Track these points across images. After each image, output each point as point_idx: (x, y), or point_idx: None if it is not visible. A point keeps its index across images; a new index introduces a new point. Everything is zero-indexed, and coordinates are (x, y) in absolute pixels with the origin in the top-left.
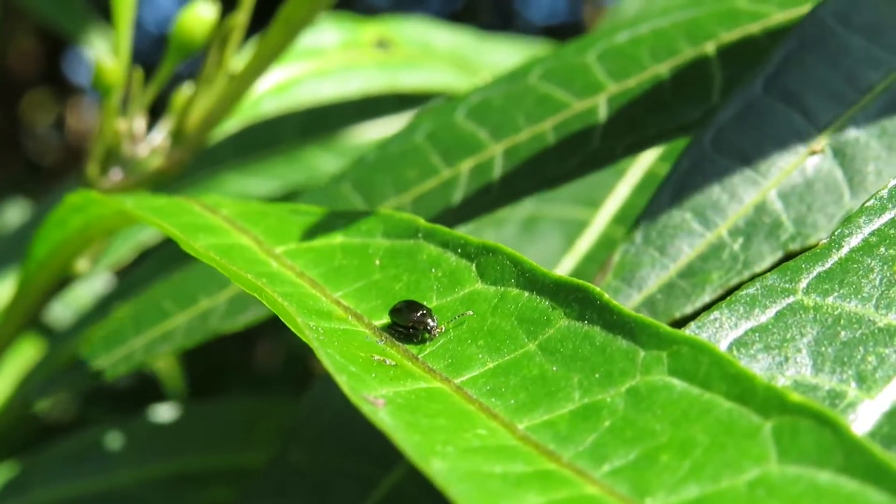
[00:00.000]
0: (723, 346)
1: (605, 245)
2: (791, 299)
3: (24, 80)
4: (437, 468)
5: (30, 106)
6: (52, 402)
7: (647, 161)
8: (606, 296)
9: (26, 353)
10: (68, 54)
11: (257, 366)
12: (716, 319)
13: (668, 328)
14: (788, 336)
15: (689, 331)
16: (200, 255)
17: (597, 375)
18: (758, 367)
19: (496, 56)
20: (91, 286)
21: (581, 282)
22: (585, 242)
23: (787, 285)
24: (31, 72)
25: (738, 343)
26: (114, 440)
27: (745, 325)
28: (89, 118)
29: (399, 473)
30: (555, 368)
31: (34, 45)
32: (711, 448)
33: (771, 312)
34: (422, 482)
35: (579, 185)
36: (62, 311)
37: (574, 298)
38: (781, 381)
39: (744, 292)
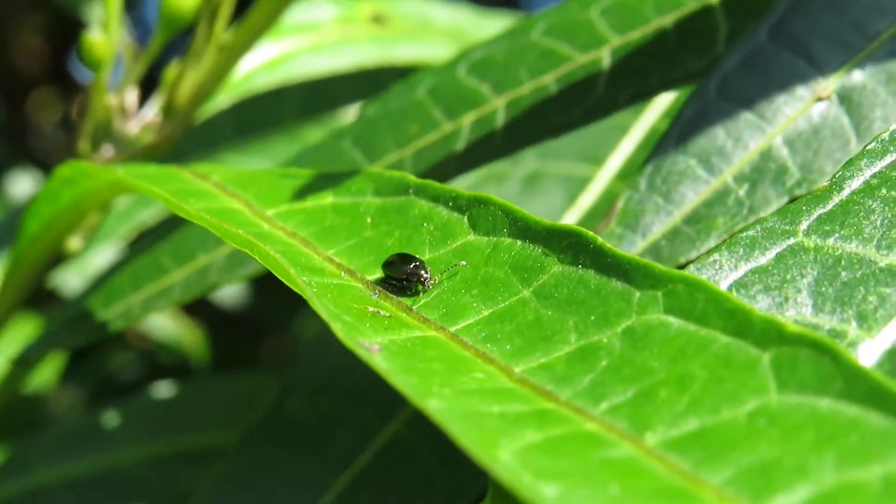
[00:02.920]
0: (723, 288)
1: (609, 201)
2: (791, 241)
3: (31, 79)
4: (435, 407)
5: (36, 105)
6: (59, 399)
7: (650, 118)
8: (600, 239)
9: (23, 332)
10: (74, 52)
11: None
12: (715, 261)
13: (663, 268)
14: (789, 277)
15: (689, 272)
16: (192, 217)
17: (592, 318)
18: (757, 307)
19: (494, 30)
20: (105, 256)
21: (574, 227)
22: (588, 198)
23: (787, 227)
24: (37, 70)
25: (738, 284)
26: (114, 419)
27: (745, 267)
28: None
29: (398, 423)
30: (550, 313)
31: (40, 43)
32: (710, 382)
33: (771, 254)
34: (421, 431)
35: (582, 142)
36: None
37: (567, 244)
38: None
39: (744, 234)
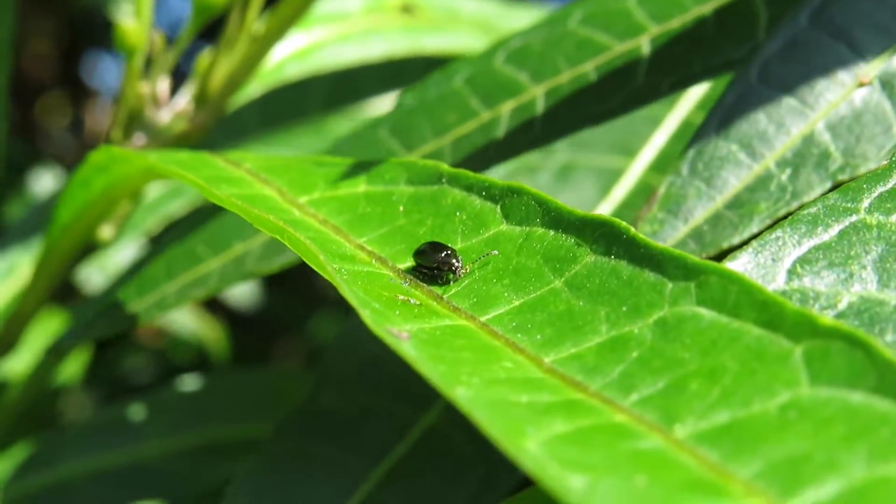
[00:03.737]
0: (786, 264)
1: (642, 192)
2: (854, 218)
3: (40, 84)
4: (462, 395)
5: (45, 109)
6: (76, 398)
7: (684, 109)
8: (633, 230)
9: (52, 326)
10: (84, 57)
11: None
12: (778, 238)
13: (696, 259)
14: (853, 253)
15: (751, 249)
16: (223, 202)
17: (624, 308)
18: (822, 283)
19: (522, 21)
20: (126, 253)
21: (607, 217)
22: (621, 190)
23: (848, 205)
24: (46, 75)
25: (802, 260)
26: (140, 412)
27: (809, 244)
28: (106, 121)
29: (434, 414)
30: (581, 303)
31: (49, 48)
32: (741, 374)
33: (834, 231)
34: (457, 422)
35: (615, 134)
36: (96, 276)
37: (600, 234)
38: (847, 298)
39: (805, 212)
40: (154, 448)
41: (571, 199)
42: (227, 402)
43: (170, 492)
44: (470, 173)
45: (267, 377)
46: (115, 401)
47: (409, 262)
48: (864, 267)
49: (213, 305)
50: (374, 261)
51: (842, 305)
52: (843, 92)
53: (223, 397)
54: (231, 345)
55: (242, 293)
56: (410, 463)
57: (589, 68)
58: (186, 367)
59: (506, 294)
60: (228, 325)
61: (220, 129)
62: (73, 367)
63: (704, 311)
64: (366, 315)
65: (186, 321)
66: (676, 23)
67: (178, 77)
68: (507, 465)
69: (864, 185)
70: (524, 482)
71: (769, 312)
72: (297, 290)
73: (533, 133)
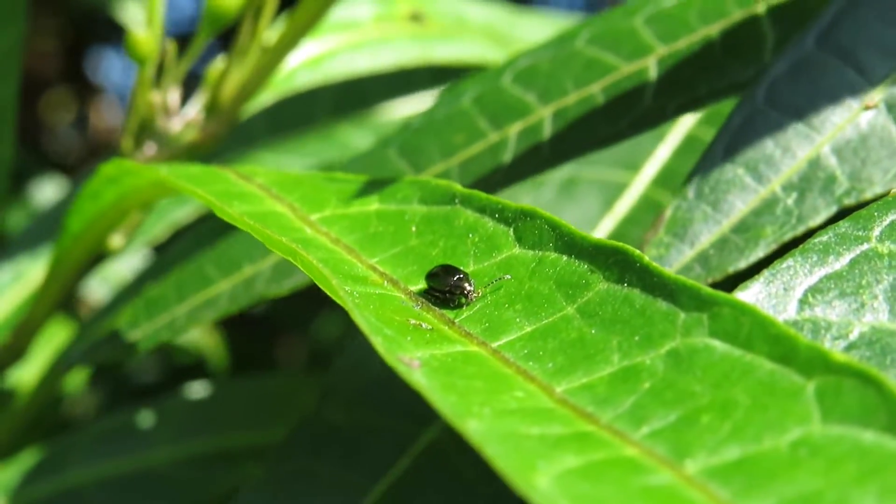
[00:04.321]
0: (798, 294)
1: (645, 207)
2: (865, 246)
3: (43, 81)
4: (474, 428)
5: (49, 106)
6: (79, 401)
7: (687, 124)
8: (646, 258)
9: (60, 336)
10: (88, 54)
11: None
12: (789, 267)
13: (709, 290)
14: (864, 283)
15: (762, 279)
16: (235, 221)
17: (636, 338)
18: (834, 313)
19: (530, 30)
20: (129, 263)
21: (620, 244)
22: (624, 205)
23: (860, 233)
24: (50, 72)
25: (814, 290)
26: (148, 419)
27: (820, 273)
28: (110, 117)
29: (436, 430)
30: (593, 331)
31: (53, 45)
32: (753, 409)
33: (845, 260)
34: (459, 439)
35: (618, 149)
36: (100, 287)
37: (613, 261)
38: (858, 329)
39: (816, 240)
40: (161, 455)
41: (575, 214)
42: (233, 409)
43: (177, 499)
44: (483, 194)
45: (273, 383)
46: (120, 402)
47: (421, 285)
48: (876, 297)
49: None
50: (385, 282)
51: (853, 336)
52: (850, 115)
53: (230, 404)
54: (234, 346)
55: None
56: (413, 479)
57: (596, 90)
58: (190, 369)
59: (518, 320)
60: (231, 325)
61: (229, 136)
62: (79, 375)
63: (717, 343)
64: (378, 342)
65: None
66: (683, 43)
67: (190, 85)
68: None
69: (875, 213)
70: None
71: (782, 346)
72: (301, 290)
73: (540, 156)
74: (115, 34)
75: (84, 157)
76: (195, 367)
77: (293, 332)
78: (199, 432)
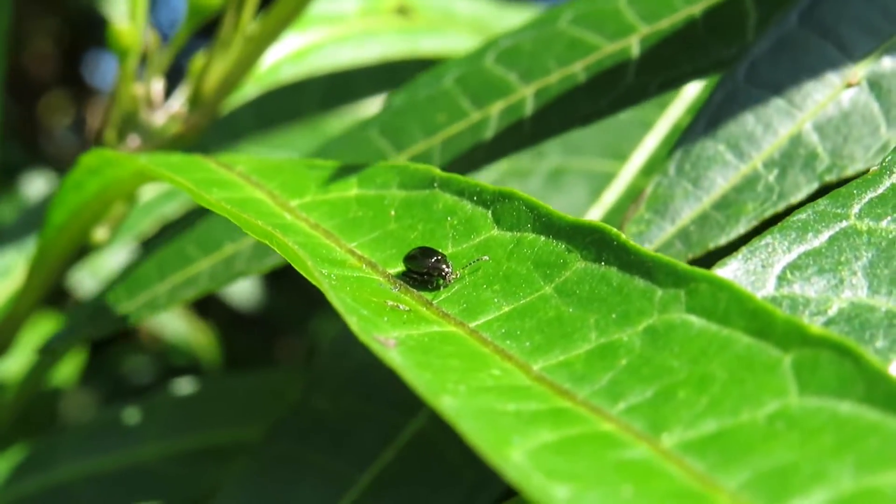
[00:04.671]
0: (776, 270)
1: (633, 197)
2: (844, 224)
3: (41, 83)
4: (448, 404)
5: (47, 108)
6: (73, 400)
7: (674, 113)
8: (623, 236)
9: (46, 329)
10: (86, 57)
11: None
12: (768, 244)
13: (686, 266)
14: (843, 259)
15: (741, 256)
16: (213, 206)
17: (613, 315)
18: (812, 289)
19: (517, 22)
20: (117, 257)
21: (597, 223)
22: (612, 194)
23: (839, 210)
24: (47, 74)
25: (792, 266)
26: (136, 415)
27: (799, 250)
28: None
29: (423, 419)
30: (571, 310)
31: (51, 47)
32: (730, 383)
33: (824, 237)
34: (446, 427)
35: (605, 138)
36: (87, 281)
37: (591, 241)
38: (837, 305)
39: (795, 217)
40: (151, 451)
41: (562, 204)
42: (223, 406)
43: (166, 495)
44: (462, 178)
45: (263, 380)
46: (114, 403)
47: (400, 267)
48: (855, 273)
49: (213, 305)
50: (364, 266)
51: (832, 312)
52: (831, 92)
53: (219, 400)
54: (231, 345)
55: (243, 293)
56: (399, 468)
57: (578, 68)
58: (184, 368)
59: (495, 300)
60: (228, 325)
61: (215, 130)
62: (69, 369)
63: (694, 319)
64: (353, 322)
65: (178, 326)
66: (666, 23)
67: (173, 78)
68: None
69: (855, 191)
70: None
71: (759, 321)
72: (298, 290)
73: (522, 134)
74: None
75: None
76: (191, 366)
77: (291, 332)
78: (187, 428)
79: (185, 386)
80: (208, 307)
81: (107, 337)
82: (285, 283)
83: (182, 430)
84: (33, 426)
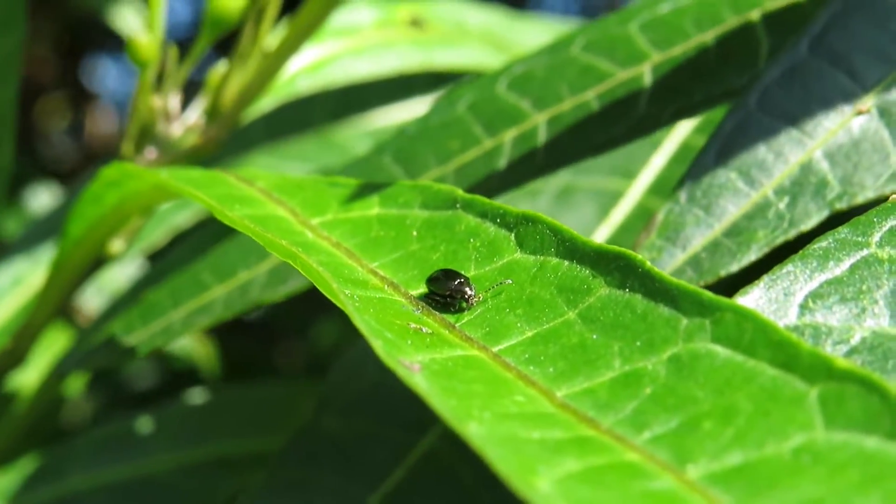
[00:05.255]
0: (798, 299)
1: (641, 215)
2: (865, 252)
3: (38, 87)
4: (474, 431)
5: (44, 112)
6: (76, 407)
7: (682, 132)
8: (648, 263)
9: (59, 342)
10: (84, 61)
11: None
12: (789, 273)
13: (711, 295)
14: (864, 288)
15: (763, 284)
16: (235, 224)
17: (638, 343)
18: (834, 318)
19: (529, 35)
20: (124, 271)
21: (622, 249)
22: (620, 213)
23: (859, 238)
24: (44, 78)
25: (814, 295)
26: (147, 426)
27: (820, 278)
28: (106, 124)
29: (433, 438)
30: (595, 337)
31: (48, 51)
32: (755, 415)
33: (845, 265)
34: (456, 447)
35: (614, 157)
36: (95, 296)
37: (615, 266)
38: (859, 334)
39: (816, 245)
40: (162, 462)
41: (571, 222)
42: (232, 416)
43: None
44: (485, 199)
45: (272, 390)
46: (117, 408)
47: (422, 289)
48: (877, 302)
49: None
50: (386, 286)
51: (854, 341)
52: (842, 120)
53: (229, 411)
54: (233, 351)
55: None
56: (410, 488)
57: (591, 96)
58: (187, 375)
59: (519, 324)
60: (228, 329)
61: (229, 141)
62: (77, 381)
63: (719, 349)
64: (378, 346)
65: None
66: (678, 50)
67: (190, 90)
68: (511, 491)
69: (875, 219)
70: None
71: (784, 353)
72: (300, 296)
73: (535, 163)
74: (110, 41)
75: (79, 164)
76: (192, 373)
77: (291, 337)
78: (198, 440)
79: (194, 396)
80: None
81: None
82: None
83: (192, 441)
84: (40, 434)
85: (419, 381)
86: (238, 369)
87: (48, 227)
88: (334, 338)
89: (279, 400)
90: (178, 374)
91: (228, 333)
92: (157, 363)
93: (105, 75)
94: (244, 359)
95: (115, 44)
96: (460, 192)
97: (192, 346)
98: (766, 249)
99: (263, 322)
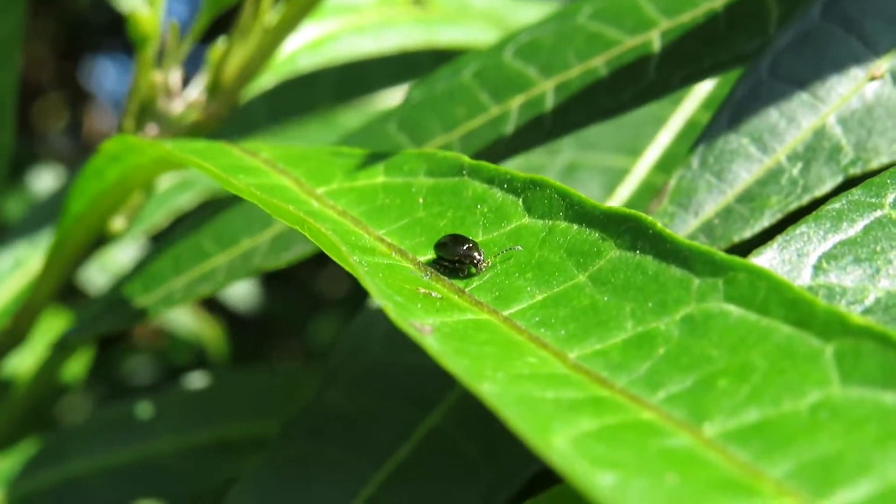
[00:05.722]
0: (812, 260)
1: (647, 192)
2: (879, 213)
3: (37, 86)
4: (489, 391)
5: (41, 112)
6: (76, 399)
7: (688, 109)
8: (659, 224)
9: (59, 324)
10: (82, 60)
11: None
12: (803, 234)
13: (724, 255)
14: (878, 248)
15: (776, 245)
16: (241, 192)
17: (650, 304)
18: (848, 279)
19: (530, 15)
20: (127, 252)
21: (632, 211)
22: (626, 190)
23: (873, 200)
24: (43, 77)
25: (828, 256)
26: (149, 410)
27: (834, 239)
28: (103, 124)
29: (438, 415)
30: (606, 299)
31: (46, 51)
32: (771, 373)
33: (859, 226)
34: (462, 423)
35: (619, 133)
36: (99, 277)
37: (625, 229)
38: (874, 294)
39: (829, 207)
40: (163, 445)
41: None
42: (234, 400)
43: (177, 489)
44: (491, 165)
45: (273, 375)
46: (113, 402)
47: (430, 255)
48: (891, 262)
49: (213, 306)
50: (393, 253)
51: (869, 301)
52: (855, 86)
53: (230, 395)
54: (230, 346)
55: (242, 294)
56: (415, 464)
57: (599, 63)
58: (186, 368)
59: (528, 288)
60: (228, 326)
61: (229, 121)
62: (76, 367)
63: (733, 308)
64: (389, 307)
65: (185, 320)
66: (687, 17)
67: (191, 67)
68: (514, 465)
69: (888, 181)
70: (532, 484)
71: (799, 310)
72: (297, 292)
73: (542, 128)
74: (108, 41)
75: (76, 164)
76: (190, 366)
77: (289, 335)
78: (200, 423)
79: (196, 380)
80: (207, 308)
81: (110, 335)
82: (284, 285)
83: (194, 424)
84: (37, 423)
85: (431, 343)
86: (236, 366)
87: (50, 210)
88: (332, 336)
89: (280, 385)
90: (179, 369)
91: (227, 330)
92: (158, 358)
93: (103, 76)
94: (242, 356)
95: (113, 44)
96: (466, 158)
97: (200, 329)
98: (779, 215)
99: (261, 319)
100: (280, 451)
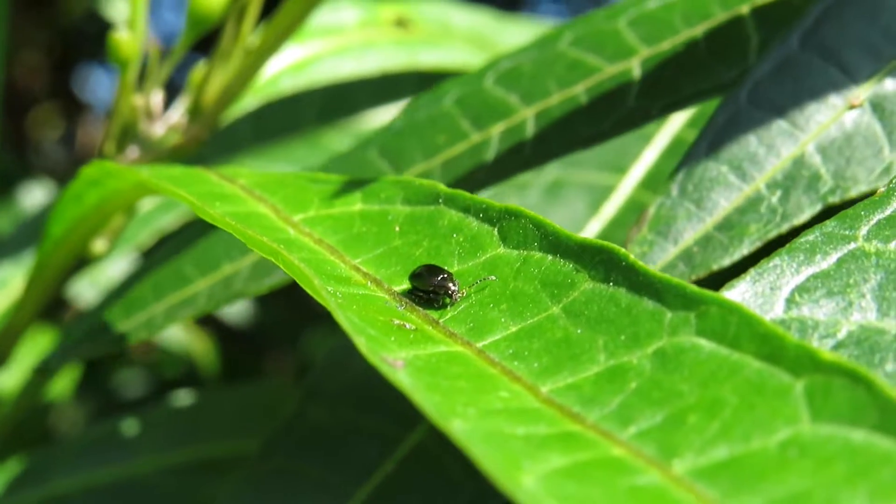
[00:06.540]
0: (785, 293)
1: (632, 210)
2: (852, 245)
3: (31, 96)
4: (458, 428)
5: (36, 122)
6: (66, 413)
7: (674, 126)
8: (632, 257)
9: (43, 343)
10: (76, 70)
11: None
12: (776, 266)
13: (696, 288)
14: (851, 281)
15: (749, 278)
16: (217, 221)
17: (622, 337)
18: (821, 312)
19: (515, 36)
20: (118, 267)
21: (606, 243)
22: (612, 207)
23: (846, 232)
24: (37, 87)
25: (801, 289)
26: (132, 428)
27: (807, 272)
28: (98, 134)
29: (422, 432)
30: (579, 331)
31: (40, 60)
32: (741, 408)
33: (832, 259)
34: (445, 441)
35: (605, 151)
36: (87, 292)
37: (599, 260)
38: (846, 328)
39: (803, 239)
40: (147, 464)
41: (561, 216)
42: (218, 418)
43: None
44: (467, 194)
45: (258, 392)
46: (106, 416)
47: (405, 285)
48: (864, 295)
49: (204, 320)
50: (369, 283)
51: (841, 335)
52: (834, 114)
53: (215, 413)
54: (222, 360)
55: (234, 308)
56: (398, 480)
57: (579, 90)
58: (177, 382)
59: (502, 319)
60: (220, 339)
61: (213, 142)
62: (63, 383)
63: (704, 343)
64: (361, 342)
65: (176, 334)
66: (667, 45)
67: (172, 90)
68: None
69: (862, 213)
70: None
71: (770, 345)
72: (289, 305)
73: (523, 156)
74: (102, 51)
75: (71, 174)
76: (180, 380)
77: (281, 347)
78: (183, 441)
79: (180, 398)
80: (199, 321)
81: (98, 356)
82: (276, 298)
83: (177, 443)
84: (26, 440)
85: (403, 378)
86: (227, 379)
87: (34, 229)
88: (324, 348)
89: (264, 402)
90: (169, 384)
91: (218, 343)
92: (147, 372)
93: (97, 85)
94: (233, 369)
95: (107, 54)
96: (442, 186)
97: (191, 344)
98: (758, 244)
99: (253, 332)
100: (261, 465)
